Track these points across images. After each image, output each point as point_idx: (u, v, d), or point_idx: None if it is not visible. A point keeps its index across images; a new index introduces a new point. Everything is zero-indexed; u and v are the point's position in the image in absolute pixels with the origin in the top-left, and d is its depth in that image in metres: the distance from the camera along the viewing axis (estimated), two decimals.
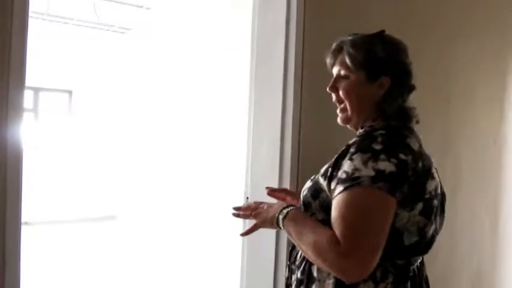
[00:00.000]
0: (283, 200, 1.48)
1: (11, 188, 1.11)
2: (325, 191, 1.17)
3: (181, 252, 4.34)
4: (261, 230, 1.79)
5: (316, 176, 1.23)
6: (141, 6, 4.90)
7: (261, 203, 1.38)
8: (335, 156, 1.20)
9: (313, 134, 1.75)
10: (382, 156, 1.09)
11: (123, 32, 5.80)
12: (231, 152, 3.24)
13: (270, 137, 1.72)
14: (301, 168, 1.68)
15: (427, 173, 1.16)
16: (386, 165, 1.08)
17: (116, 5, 4.84)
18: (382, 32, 1.27)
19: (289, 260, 1.32)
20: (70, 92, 6.50)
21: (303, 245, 1.15)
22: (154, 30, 5.29)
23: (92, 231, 5.82)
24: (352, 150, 1.13)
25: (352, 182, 1.07)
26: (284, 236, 1.70)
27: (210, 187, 3.79)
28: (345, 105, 1.25)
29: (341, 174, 1.11)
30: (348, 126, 1.31)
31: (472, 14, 2.66)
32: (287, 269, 1.33)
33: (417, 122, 1.26)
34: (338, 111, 1.29)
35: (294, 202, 1.41)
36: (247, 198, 1.86)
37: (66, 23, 5.37)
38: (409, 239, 1.16)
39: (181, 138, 4.64)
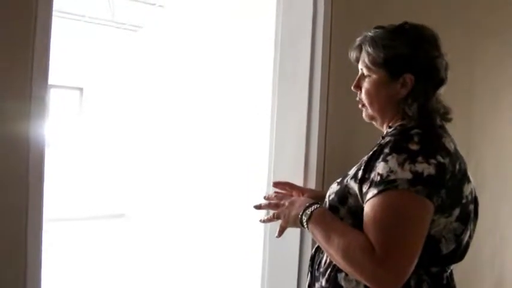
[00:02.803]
0: (290, 194, 1.42)
1: (34, 186, 1.10)
2: (354, 195, 1.10)
3: (193, 251, 4.30)
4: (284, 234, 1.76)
5: (345, 180, 1.16)
6: (154, 4, 4.87)
7: (282, 197, 1.33)
8: (366, 157, 1.13)
9: (340, 133, 1.70)
10: (420, 158, 1.02)
11: (135, 30, 5.78)
12: (251, 150, 3.19)
13: (295, 137, 1.67)
14: (327, 169, 1.63)
15: (463, 176, 1.10)
16: (424, 168, 1.01)
17: (128, 2, 4.81)
18: (405, 24, 1.18)
19: (312, 266, 1.25)
20: (81, 90, 6.50)
21: (330, 249, 1.07)
22: (167, 28, 5.26)
23: (101, 229, 5.82)
24: (386, 150, 1.06)
25: (387, 185, 1.00)
26: (308, 240, 1.65)
27: (227, 187, 3.74)
28: (368, 104, 1.20)
29: (374, 176, 1.04)
30: (374, 123, 1.25)
31: (497, 14, 2.60)
32: (309, 275, 1.26)
33: (449, 120, 1.19)
34: (362, 107, 1.24)
35: (304, 195, 1.38)
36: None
37: (77, 19, 5.35)
38: (447, 247, 1.10)
39: (194, 137, 4.60)
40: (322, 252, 1.18)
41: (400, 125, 1.16)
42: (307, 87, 1.62)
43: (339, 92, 1.69)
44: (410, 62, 1.14)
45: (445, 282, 1.13)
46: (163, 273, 4.27)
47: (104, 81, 6.35)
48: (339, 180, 1.20)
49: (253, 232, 2.36)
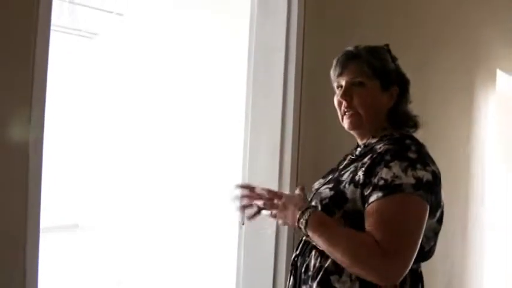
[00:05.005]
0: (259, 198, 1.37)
1: (32, 191, 1.12)
2: (352, 200, 1.17)
3: (158, 265, 4.22)
4: (258, 238, 1.81)
5: (341, 185, 1.22)
6: (112, 12, 4.78)
7: (275, 194, 1.31)
8: (360, 164, 1.21)
9: (312, 143, 1.78)
10: (419, 166, 1.15)
11: (90, 37, 5.65)
12: (222, 161, 3.20)
13: (269, 149, 1.73)
14: (300, 179, 1.70)
15: (441, 180, 1.23)
16: (423, 174, 1.13)
17: (84, 8, 4.69)
18: (385, 45, 1.34)
19: (295, 269, 1.28)
20: None
21: (335, 252, 1.14)
22: (125, 36, 5.17)
23: (52, 242, 5.56)
24: (387, 157, 1.16)
25: (393, 188, 1.11)
26: (283, 242, 1.72)
27: (196, 197, 3.69)
28: (357, 112, 1.26)
29: (378, 180, 1.14)
30: (353, 132, 1.33)
31: (447, 38, 2.85)
32: (291, 279, 1.30)
33: (418, 127, 1.33)
34: (346, 117, 1.28)
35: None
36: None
37: None
38: (428, 245, 1.23)
39: (156, 145, 4.55)
40: (309, 256, 1.23)
41: (384, 135, 1.27)
42: (281, 100, 1.69)
43: (312, 104, 1.78)
44: (397, 76, 1.29)
45: (419, 278, 1.25)
46: None
47: (55, 88, 6.15)
48: (330, 186, 1.24)
49: (225, 239, 2.39)
